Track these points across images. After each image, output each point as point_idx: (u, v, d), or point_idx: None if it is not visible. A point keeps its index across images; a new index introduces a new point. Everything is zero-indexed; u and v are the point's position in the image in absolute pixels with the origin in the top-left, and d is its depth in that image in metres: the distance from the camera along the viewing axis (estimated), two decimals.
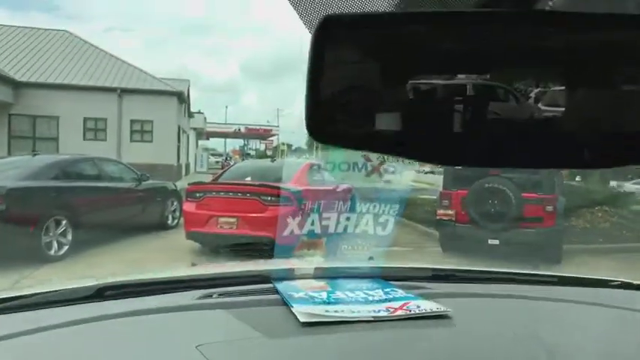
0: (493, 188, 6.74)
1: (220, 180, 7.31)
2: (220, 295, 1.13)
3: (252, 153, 39.36)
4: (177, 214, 8.65)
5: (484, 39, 0.45)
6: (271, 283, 1.22)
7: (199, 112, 30.30)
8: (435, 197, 8.37)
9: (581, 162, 0.45)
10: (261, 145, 42.19)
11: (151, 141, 18.21)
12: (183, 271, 1.64)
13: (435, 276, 1.36)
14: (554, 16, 0.47)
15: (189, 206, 6.66)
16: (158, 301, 1.09)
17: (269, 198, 6.02)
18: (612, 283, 1.36)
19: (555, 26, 0.44)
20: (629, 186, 16.09)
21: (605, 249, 7.61)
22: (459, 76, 0.47)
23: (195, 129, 29.22)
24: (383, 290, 1.20)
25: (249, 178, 6.88)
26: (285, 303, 1.10)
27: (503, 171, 6.89)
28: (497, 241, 6.57)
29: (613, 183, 13.57)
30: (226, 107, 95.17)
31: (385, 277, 1.30)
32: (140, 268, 5.66)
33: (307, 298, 1.13)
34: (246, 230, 6.03)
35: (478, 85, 0.47)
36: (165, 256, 6.50)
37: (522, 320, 1.11)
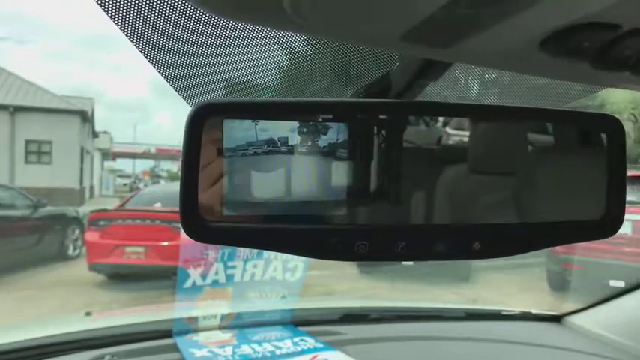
0: None
1: (127, 206, 6.90)
2: (113, 356, 1.04)
3: (164, 174, 37.96)
4: (80, 243, 8.04)
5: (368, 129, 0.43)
6: (172, 337, 1.14)
7: (105, 132, 28.82)
8: None
9: (475, 253, 0.44)
10: (173, 166, 40.88)
11: (50, 163, 16.91)
12: (75, 324, 1.47)
13: (346, 317, 1.38)
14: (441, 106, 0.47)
15: (91, 235, 6.22)
16: None
17: (179, 225, 5.75)
18: (514, 314, 1.43)
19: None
20: None
21: (508, 265, 8.11)
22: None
23: (100, 149, 27.73)
24: (292, 340, 1.17)
25: (158, 204, 6.55)
26: None
27: None
28: (411, 262, 6.80)
29: None
30: (135, 126, 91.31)
31: (295, 322, 1.27)
32: (29, 308, 5.09)
33: (210, 356, 1.05)
34: (156, 260, 5.71)
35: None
36: (62, 291, 5.92)
37: None
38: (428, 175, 0.42)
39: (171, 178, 32.21)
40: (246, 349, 1.11)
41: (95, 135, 24.77)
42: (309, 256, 0.44)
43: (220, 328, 1.21)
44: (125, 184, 29.85)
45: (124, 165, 42.18)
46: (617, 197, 0.43)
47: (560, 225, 0.44)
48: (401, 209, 0.43)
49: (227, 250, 1.42)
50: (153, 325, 1.21)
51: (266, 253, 1.34)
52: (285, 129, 0.42)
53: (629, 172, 6.08)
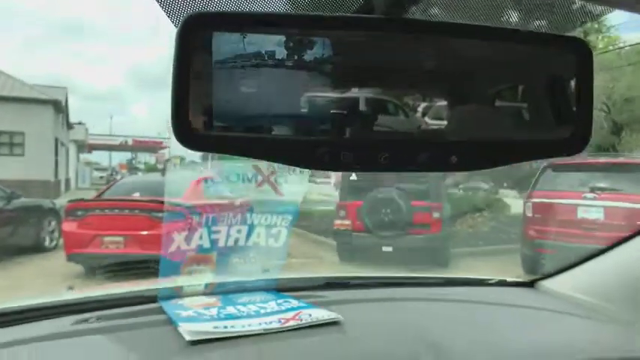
0: (386, 198, 7.09)
1: (105, 196, 6.81)
2: (98, 319, 1.04)
3: (142, 167, 37.35)
4: (56, 234, 7.89)
5: (360, 47, 0.45)
6: (157, 302, 1.14)
7: (80, 123, 28.17)
8: (332, 208, 8.64)
9: (452, 166, 0.46)
10: (151, 159, 40.23)
11: (23, 154, 16.49)
12: (57, 296, 1.47)
13: (329, 284, 1.40)
14: (426, 25, 0.49)
15: (69, 226, 6.11)
16: (28, 331, 0.98)
17: (159, 214, 5.71)
18: (490, 282, 1.50)
19: (424, 34, 0.46)
20: (503, 192, 17.77)
21: (485, 251, 8.29)
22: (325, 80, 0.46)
23: (75, 141, 27.12)
24: (276, 302, 1.19)
25: (137, 194, 6.48)
26: (171, 323, 1.03)
27: (395, 181, 7.30)
28: (390, 248, 6.89)
29: (484, 185, 14.96)
30: (111, 118, 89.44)
31: (279, 289, 1.30)
32: (6, 298, 5.00)
33: (195, 316, 1.07)
34: (135, 249, 5.64)
35: (353, 95, 0.46)
36: (41, 281, 5.83)
37: (411, 321, 1.17)
38: (410, 92, 0.45)
39: (148, 170, 31.70)
40: (231, 309, 1.13)
41: (70, 126, 24.22)
42: (297, 165, 0.46)
43: (205, 294, 1.22)
44: (102, 177, 29.28)
45: (100, 157, 41.36)
46: (585, 116, 0.47)
47: (531, 142, 0.47)
48: (384, 123, 0.45)
49: (211, 215, 1.43)
50: (137, 292, 1.21)
51: (249, 219, 1.36)
52: (273, 43, 0.43)
53: (601, 159, 6.24)
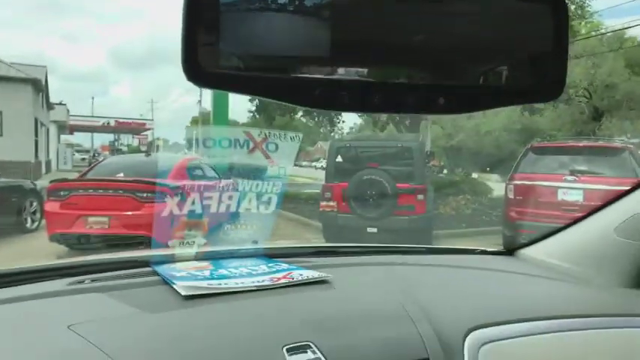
0: (371, 180, 7.14)
1: (88, 176, 6.72)
2: (93, 280, 1.06)
3: (125, 149, 36.85)
4: (38, 216, 7.80)
5: None
6: (150, 267, 1.16)
7: (61, 104, 27.60)
8: (317, 191, 8.67)
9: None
10: (134, 141, 39.70)
11: (1, 135, 16.12)
12: (50, 261, 1.48)
13: (318, 252, 1.45)
14: None
15: (51, 206, 6.03)
16: (22, 291, 1.00)
17: (144, 194, 5.68)
18: (473, 251, 1.58)
19: None
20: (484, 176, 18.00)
21: (468, 232, 8.45)
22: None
23: (56, 122, 26.58)
24: (267, 265, 1.23)
25: (121, 174, 6.41)
26: (165, 283, 1.06)
27: (380, 164, 7.35)
28: (375, 229, 6.96)
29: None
30: (92, 98, 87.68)
31: (269, 255, 1.32)
32: None
33: (189, 276, 1.10)
34: (120, 229, 5.62)
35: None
36: (23, 263, 5.77)
37: (398, 282, 1.22)
38: (404, 35, 0.47)
39: (132, 152, 31.29)
40: (223, 271, 1.16)
41: (50, 106, 23.73)
42: (295, 104, 0.48)
43: (197, 259, 1.24)
44: (84, 159, 28.80)
45: (82, 139, 40.72)
46: (560, 63, 0.50)
47: (511, 88, 0.50)
48: (378, 66, 0.48)
49: (203, 182, 1.45)
50: (131, 257, 1.23)
51: (241, 186, 1.38)
52: None
53: (581, 143, 6.35)
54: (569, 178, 6.54)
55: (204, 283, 1.05)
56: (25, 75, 16.92)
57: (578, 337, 1.03)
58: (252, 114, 16.29)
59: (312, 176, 15.81)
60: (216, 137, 1.53)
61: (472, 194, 10.39)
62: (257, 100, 12.10)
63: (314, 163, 34.59)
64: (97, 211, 5.76)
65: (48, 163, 21.80)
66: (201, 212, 1.44)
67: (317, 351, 0.84)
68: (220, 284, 1.06)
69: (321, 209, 7.62)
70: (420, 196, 7.23)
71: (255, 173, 1.39)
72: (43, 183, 8.42)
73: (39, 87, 18.36)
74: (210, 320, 0.94)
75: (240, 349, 0.84)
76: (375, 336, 0.92)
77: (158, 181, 5.76)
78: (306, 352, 0.84)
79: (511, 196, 7.07)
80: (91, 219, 5.75)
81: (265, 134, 1.44)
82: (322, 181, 7.97)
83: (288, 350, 0.83)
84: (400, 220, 7.02)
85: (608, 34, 18.24)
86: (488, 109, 0.51)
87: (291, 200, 10.44)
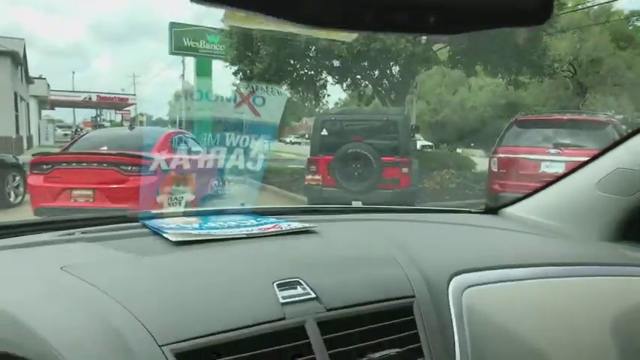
0: (356, 153, 7.17)
1: (72, 149, 6.64)
2: (83, 232, 1.08)
3: (107, 124, 36.28)
4: (22, 190, 7.72)
5: None
6: (139, 222, 1.18)
7: (41, 78, 26.96)
8: (302, 167, 8.66)
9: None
10: (116, 116, 39.10)
11: None
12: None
13: (305, 211, 1.49)
14: None
15: (35, 179, 5.95)
16: (13, 241, 1.01)
17: (129, 168, 5.65)
18: (458, 210, 1.63)
19: None
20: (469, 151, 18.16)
21: (451, 205, 8.56)
22: None
23: (36, 97, 26.03)
24: (255, 219, 1.25)
25: (105, 148, 6.34)
26: (156, 233, 1.08)
27: (365, 137, 7.37)
28: (360, 203, 7.01)
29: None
30: (73, 73, 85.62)
31: (257, 212, 1.35)
32: None
33: (178, 227, 1.12)
34: (105, 203, 5.60)
35: None
36: None
37: (383, 234, 1.25)
38: None
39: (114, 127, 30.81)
40: (212, 224, 1.18)
41: (29, 80, 23.20)
42: (287, 19, 0.49)
43: (185, 215, 1.26)
44: (66, 134, 28.31)
45: (63, 114, 39.98)
46: None
47: (500, 8, 0.51)
48: None
49: (190, 135, 1.45)
50: (120, 212, 1.24)
51: (228, 141, 1.38)
52: None
53: (565, 116, 6.39)
54: (553, 151, 6.64)
55: (195, 232, 1.07)
56: (3, 47, 16.47)
57: (558, 284, 1.07)
58: (236, 87, 16.13)
59: (297, 152, 15.77)
60: (204, 90, 1.53)
61: (456, 168, 10.50)
62: (240, 74, 11.96)
63: (298, 139, 34.46)
64: (82, 185, 5.72)
65: (29, 139, 21.42)
66: (189, 168, 1.45)
67: (306, 287, 0.86)
68: (210, 232, 1.08)
69: (306, 183, 7.65)
70: (405, 169, 7.29)
71: (241, 128, 1.40)
72: (25, 158, 8.30)
73: (17, 60, 17.90)
74: (201, 262, 0.97)
75: (231, 287, 0.86)
76: (363, 275, 0.95)
77: (143, 154, 5.76)
78: (296, 287, 0.86)
79: (495, 169, 7.16)
80: (75, 192, 5.71)
81: (252, 87, 1.45)
82: (307, 157, 7.97)
83: (278, 286, 0.85)
84: (385, 194, 7.09)
85: (595, 7, 18.25)
86: (477, 30, 0.51)
87: (277, 175, 10.44)
